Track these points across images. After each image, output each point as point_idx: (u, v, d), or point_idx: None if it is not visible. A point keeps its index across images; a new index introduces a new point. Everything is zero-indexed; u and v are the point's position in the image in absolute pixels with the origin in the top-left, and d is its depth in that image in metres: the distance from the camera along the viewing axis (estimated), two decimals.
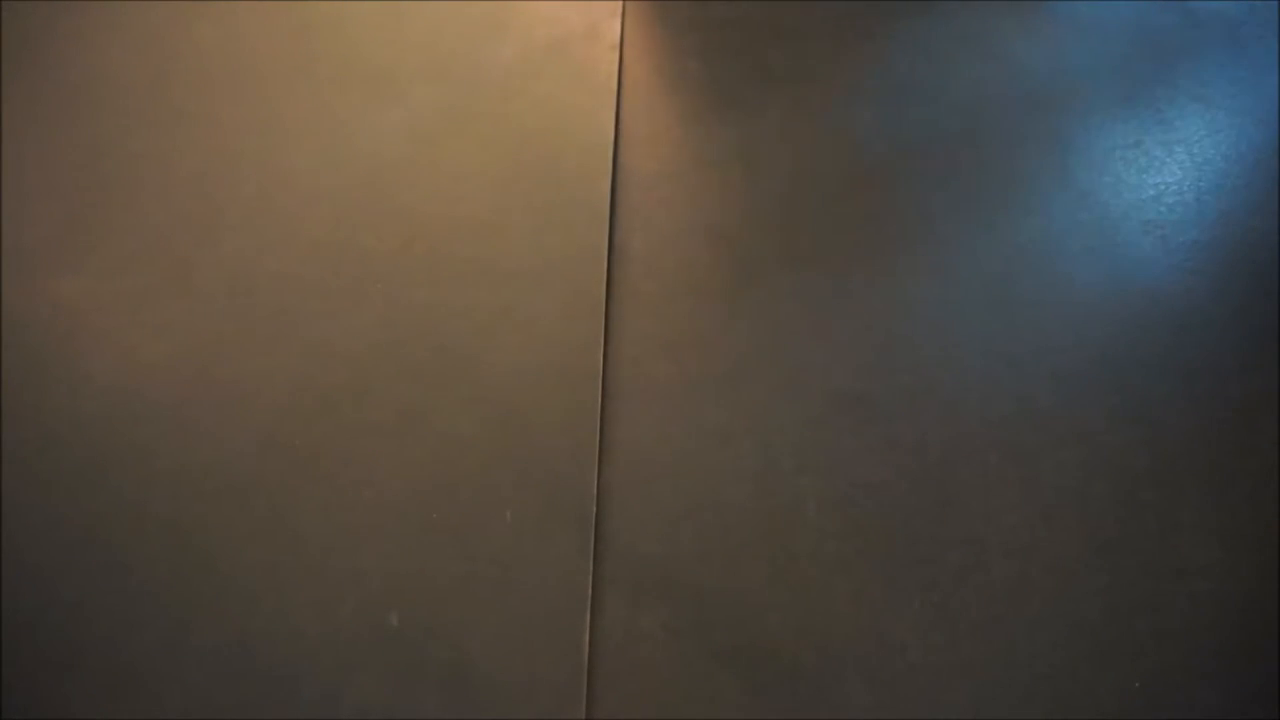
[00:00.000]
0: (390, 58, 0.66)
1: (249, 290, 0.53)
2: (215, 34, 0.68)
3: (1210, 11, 0.72)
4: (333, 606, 0.43)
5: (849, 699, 0.40)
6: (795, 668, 0.41)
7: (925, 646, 0.42)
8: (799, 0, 0.71)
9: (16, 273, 0.54)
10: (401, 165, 0.60)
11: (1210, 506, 0.46)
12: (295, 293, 0.53)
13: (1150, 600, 0.43)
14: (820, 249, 0.56)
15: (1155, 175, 0.61)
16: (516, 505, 0.45)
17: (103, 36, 0.68)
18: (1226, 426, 0.49)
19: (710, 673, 0.41)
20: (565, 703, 0.40)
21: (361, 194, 0.58)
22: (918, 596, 0.43)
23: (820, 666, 0.41)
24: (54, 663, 0.41)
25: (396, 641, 0.42)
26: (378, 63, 0.66)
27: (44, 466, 0.47)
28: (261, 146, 0.61)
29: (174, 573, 0.44)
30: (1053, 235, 0.57)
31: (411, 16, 0.69)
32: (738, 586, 0.43)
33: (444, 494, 0.46)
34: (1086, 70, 0.67)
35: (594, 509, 0.45)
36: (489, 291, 0.54)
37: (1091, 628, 0.42)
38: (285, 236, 0.56)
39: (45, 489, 0.46)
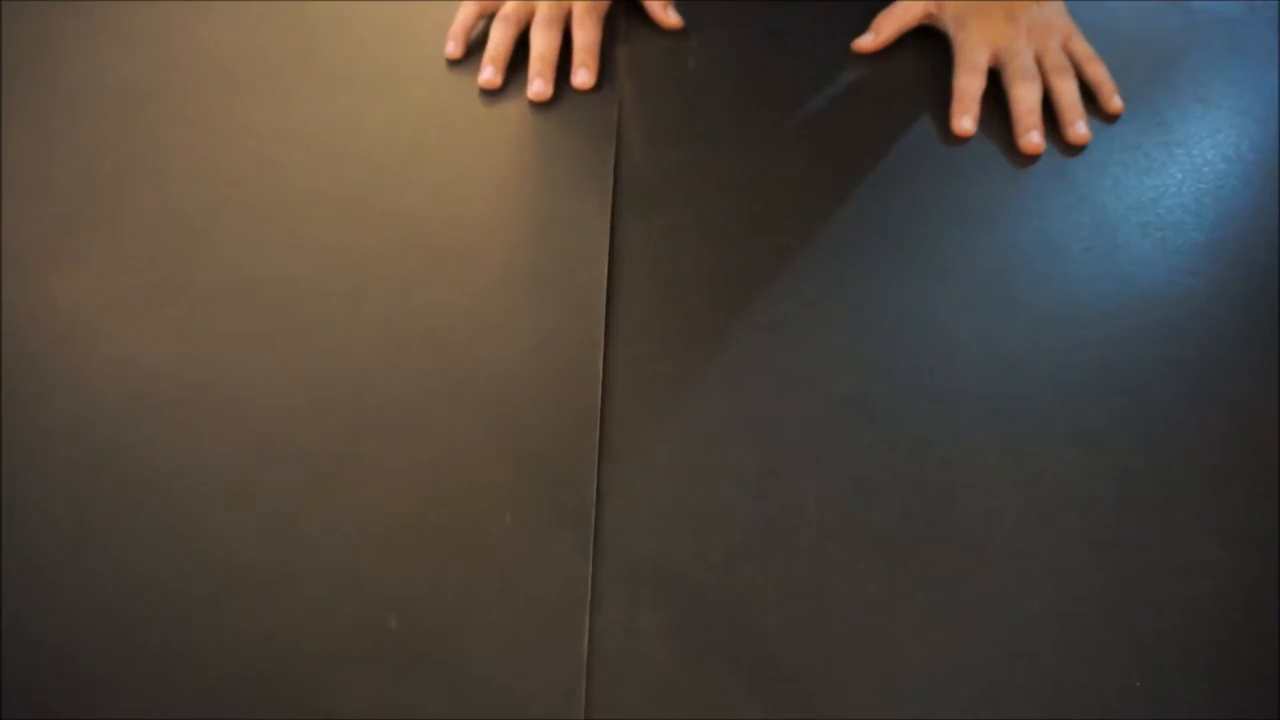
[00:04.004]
0: (390, 58, 0.66)
1: (249, 290, 0.53)
2: (215, 35, 0.68)
3: (1210, 11, 0.72)
4: (332, 608, 0.43)
5: (849, 699, 0.40)
6: (795, 668, 0.41)
7: (925, 646, 0.42)
8: (801, 2, 0.71)
9: (15, 273, 0.54)
10: (401, 165, 0.60)
11: (1210, 506, 0.46)
12: (295, 293, 0.53)
13: (1150, 600, 0.43)
14: (820, 249, 0.56)
15: (1154, 177, 0.61)
16: (516, 506, 0.45)
17: (102, 37, 0.68)
18: (1226, 426, 0.49)
19: (710, 673, 0.41)
20: (565, 703, 0.40)
21: (361, 194, 0.58)
22: (918, 596, 0.43)
23: (820, 666, 0.41)
24: (54, 663, 0.41)
25: (396, 643, 0.41)
26: (378, 63, 0.66)
27: (44, 466, 0.47)
28: (261, 147, 0.61)
29: (172, 573, 0.44)
30: (1051, 237, 0.57)
31: (411, 16, 0.69)
32: (738, 586, 0.43)
33: (443, 495, 0.46)
34: None
35: (594, 509, 0.45)
36: (489, 292, 0.54)
37: (1091, 628, 0.42)
38: (285, 237, 0.56)
39: (45, 489, 0.46)
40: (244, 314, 0.52)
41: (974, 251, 0.57)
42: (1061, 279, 0.55)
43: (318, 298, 0.53)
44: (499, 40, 0.65)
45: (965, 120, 0.63)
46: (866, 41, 0.68)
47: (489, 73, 0.64)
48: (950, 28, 0.67)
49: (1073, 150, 0.62)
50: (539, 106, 0.64)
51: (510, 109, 0.64)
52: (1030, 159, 0.62)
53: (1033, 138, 0.62)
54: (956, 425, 0.49)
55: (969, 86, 0.64)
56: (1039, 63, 0.64)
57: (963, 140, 0.63)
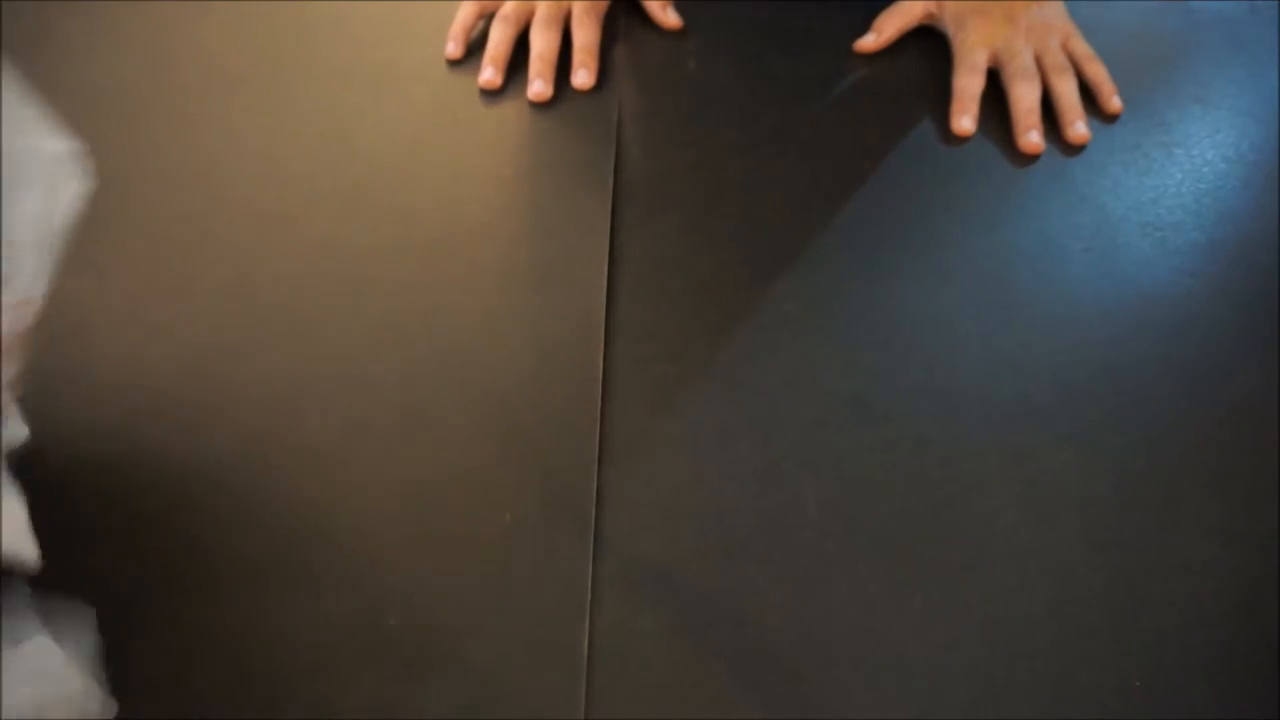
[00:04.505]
0: (390, 58, 0.67)
1: (249, 290, 0.53)
2: (215, 35, 0.68)
3: (1210, 12, 0.72)
4: (331, 607, 0.43)
5: (849, 699, 0.40)
6: (795, 668, 0.41)
7: (925, 646, 0.42)
8: (801, 2, 0.71)
9: None
10: (401, 165, 0.60)
11: (1210, 506, 0.46)
12: (295, 293, 0.53)
13: (1150, 600, 0.43)
14: (820, 249, 0.56)
15: (1154, 178, 0.61)
16: (516, 505, 0.45)
17: (102, 37, 0.68)
18: (1226, 426, 0.49)
19: (710, 673, 0.41)
20: (564, 703, 0.40)
21: (361, 194, 0.58)
22: (918, 596, 0.43)
23: (820, 666, 0.41)
24: None
25: (395, 642, 0.41)
26: (378, 63, 0.66)
27: (44, 466, 0.47)
28: (261, 146, 0.61)
29: (173, 573, 0.44)
30: (1051, 237, 0.58)
31: (411, 16, 0.69)
32: (738, 586, 0.43)
33: (443, 494, 0.46)
34: None
35: (594, 509, 0.45)
36: (489, 292, 0.54)
37: (1091, 628, 0.42)
38: (285, 236, 0.56)
39: (45, 489, 0.46)
40: (244, 314, 0.52)
41: (974, 252, 0.57)
42: (1061, 279, 0.55)
43: (319, 296, 0.53)
44: (499, 40, 0.66)
45: (965, 120, 0.63)
46: (868, 42, 0.68)
47: (489, 73, 0.64)
48: (950, 28, 0.67)
49: (1073, 150, 0.62)
50: (539, 106, 0.64)
51: (510, 109, 0.64)
52: (1030, 159, 0.62)
53: (1032, 137, 0.62)
54: (956, 425, 0.49)
55: (968, 86, 0.64)
56: (1038, 62, 0.64)
57: (963, 140, 0.63)
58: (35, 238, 0.33)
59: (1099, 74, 0.65)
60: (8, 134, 0.34)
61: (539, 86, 0.64)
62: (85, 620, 0.37)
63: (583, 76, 0.64)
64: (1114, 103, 0.64)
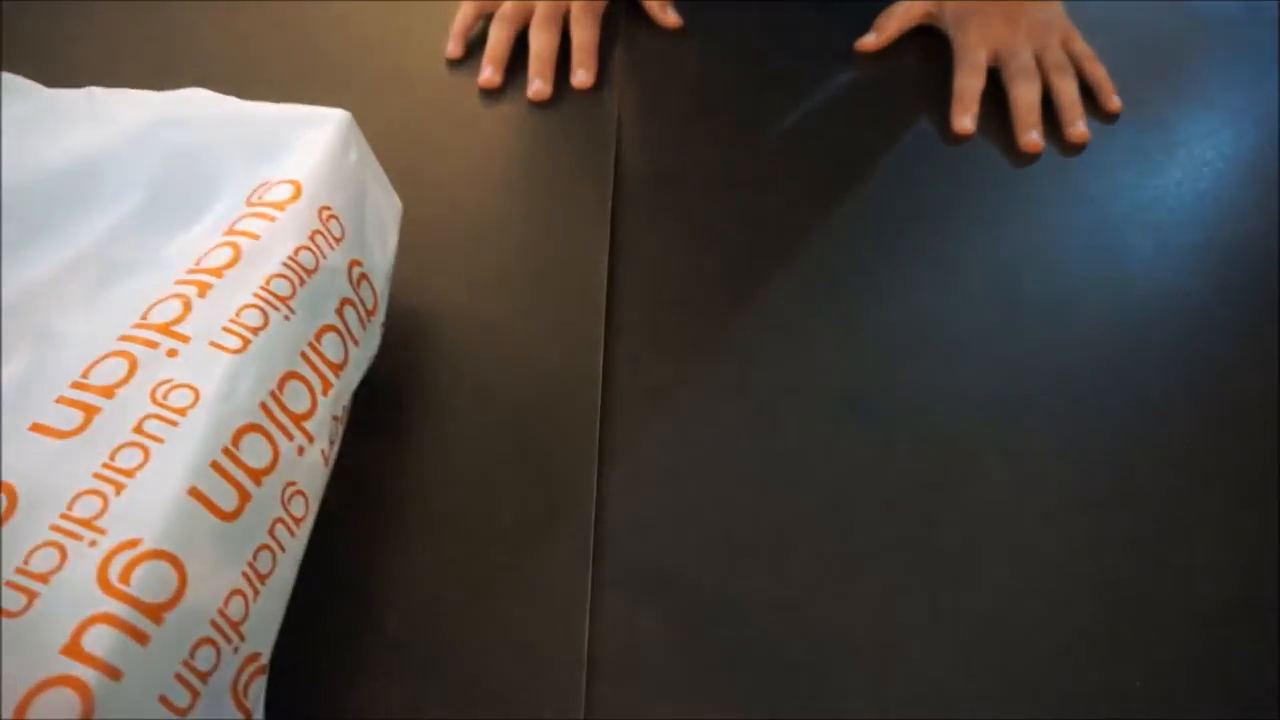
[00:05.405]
0: (390, 58, 0.67)
1: None
2: (215, 35, 0.68)
3: (1210, 11, 0.72)
4: (330, 608, 0.42)
5: (849, 699, 0.40)
6: (795, 668, 0.41)
7: (925, 646, 0.42)
8: (801, 2, 0.71)
9: None
10: (401, 165, 0.60)
11: (1210, 506, 0.46)
12: None
13: (1150, 600, 0.43)
14: (820, 249, 0.56)
15: (1154, 177, 0.61)
16: (516, 505, 0.45)
17: (102, 37, 0.68)
18: (1226, 426, 0.49)
19: (710, 673, 0.41)
20: (565, 703, 0.40)
21: None
22: (918, 596, 0.43)
23: (820, 666, 0.41)
24: None
25: (395, 644, 0.41)
26: (378, 63, 0.66)
27: None
28: None
29: None
30: (1051, 237, 0.58)
31: (411, 16, 0.69)
32: (738, 586, 0.43)
33: (443, 494, 0.46)
34: None
35: (594, 509, 0.45)
36: (489, 291, 0.54)
37: (1091, 628, 0.42)
38: None
39: None
40: None
41: (974, 251, 0.57)
42: (1061, 279, 0.55)
43: None
44: (498, 40, 0.66)
45: (965, 119, 0.63)
46: (869, 41, 0.68)
47: (489, 72, 0.64)
48: (950, 27, 0.67)
49: (1073, 150, 0.62)
50: (539, 106, 0.64)
51: (510, 109, 0.64)
52: (1030, 158, 0.62)
53: (1032, 136, 0.62)
54: (956, 425, 0.49)
55: (969, 85, 0.64)
56: (1038, 62, 0.64)
57: (963, 140, 0.63)
58: (387, 270, 0.46)
59: (1099, 74, 0.65)
60: (383, 191, 0.48)
61: (538, 86, 0.64)
62: None
63: (582, 76, 0.64)
64: (1114, 102, 0.64)
